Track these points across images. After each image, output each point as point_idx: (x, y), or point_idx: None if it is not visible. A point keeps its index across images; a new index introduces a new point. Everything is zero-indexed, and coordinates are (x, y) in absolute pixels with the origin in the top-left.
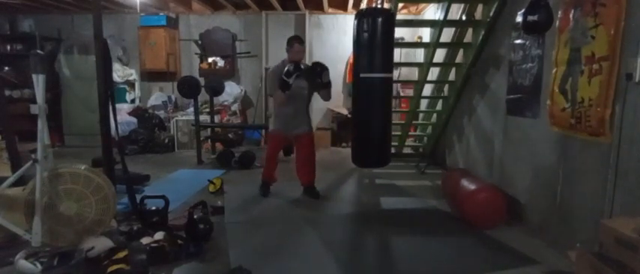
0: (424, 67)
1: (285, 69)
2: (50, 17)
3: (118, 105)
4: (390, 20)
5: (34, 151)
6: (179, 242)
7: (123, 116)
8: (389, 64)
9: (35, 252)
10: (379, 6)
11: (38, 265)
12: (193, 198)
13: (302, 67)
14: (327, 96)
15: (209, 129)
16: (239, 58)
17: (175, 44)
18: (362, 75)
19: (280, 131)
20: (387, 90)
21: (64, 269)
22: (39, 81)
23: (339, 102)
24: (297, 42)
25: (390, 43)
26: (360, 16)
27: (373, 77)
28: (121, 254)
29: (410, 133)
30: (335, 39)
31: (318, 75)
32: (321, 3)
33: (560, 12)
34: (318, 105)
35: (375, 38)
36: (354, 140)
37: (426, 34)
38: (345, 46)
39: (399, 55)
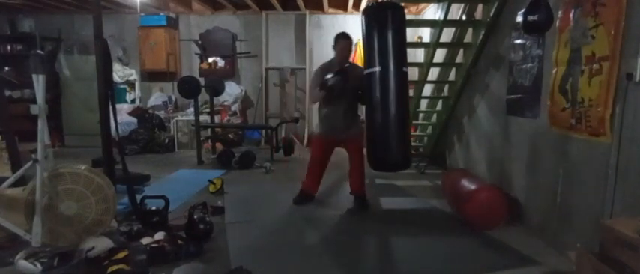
0: (424, 66)
1: (329, 75)
2: (50, 17)
3: (118, 106)
4: (402, 14)
5: (35, 151)
6: (179, 242)
7: (123, 116)
8: (405, 58)
9: (35, 252)
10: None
11: (38, 265)
12: (193, 198)
13: (347, 73)
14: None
15: (209, 130)
16: (239, 58)
17: (175, 44)
18: (382, 70)
19: (327, 134)
20: (405, 85)
21: (64, 270)
22: (39, 81)
23: None
24: (342, 38)
25: (404, 36)
26: (373, 10)
27: (392, 72)
28: (121, 254)
29: (410, 133)
30: None
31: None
32: (321, 3)
33: (560, 12)
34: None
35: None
36: (372, 142)
37: (426, 34)
38: None
39: None
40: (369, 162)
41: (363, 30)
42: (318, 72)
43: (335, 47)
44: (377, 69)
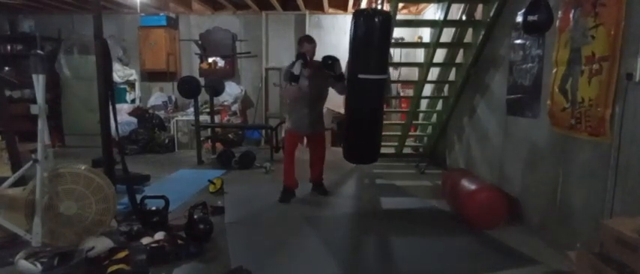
0: (424, 66)
1: (294, 67)
2: (50, 17)
3: (118, 106)
4: (385, 21)
5: (35, 151)
6: (179, 242)
7: (123, 116)
8: (383, 66)
9: (35, 252)
10: (378, 6)
11: (38, 265)
12: (193, 198)
13: (307, 57)
14: (342, 90)
15: (209, 130)
16: (239, 58)
17: (175, 44)
18: (360, 76)
19: (294, 130)
20: (379, 91)
21: (64, 269)
22: (39, 81)
23: (339, 101)
24: (305, 41)
25: (386, 44)
26: (356, 16)
27: (366, 79)
28: (121, 254)
29: (410, 133)
30: (335, 39)
31: (330, 68)
32: (321, 3)
33: (560, 12)
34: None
35: (371, 39)
36: (345, 136)
37: (426, 34)
38: (345, 46)
39: (399, 55)
40: (343, 154)
41: (350, 33)
42: (283, 74)
43: (299, 49)
44: (357, 74)
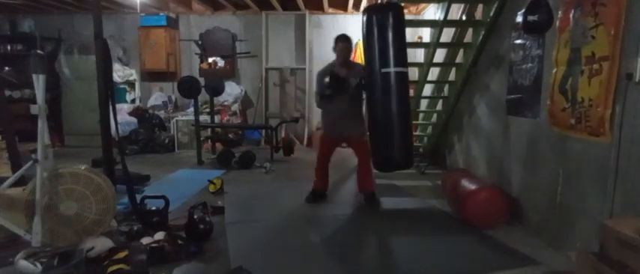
0: (424, 67)
1: (325, 80)
2: (50, 17)
3: (118, 106)
4: (401, 14)
5: (34, 151)
6: (179, 242)
7: (123, 116)
8: (405, 58)
9: (35, 252)
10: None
11: (38, 265)
12: (193, 198)
13: (339, 80)
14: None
15: (209, 130)
16: (239, 58)
17: (175, 44)
18: (383, 70)
19: (328, 133)
20: (405, 84)
21: (64, 269)
22: (39, 81)
23: None
24: (340, 41)
25: (404, 36)
26: (373, 11)
27: (392, 72)
28: (121, 254)
29: (412, 132)
30: None
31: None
32: (321, 3)
33: (560, 12)
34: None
35: (389, 32)
36: (374, 142)
37: (426, 34)
38: None
39: None
40: (373, 164)
41: (363, 30)
42: (318, 79)
43: (334, 49)
44: (378, 68)
